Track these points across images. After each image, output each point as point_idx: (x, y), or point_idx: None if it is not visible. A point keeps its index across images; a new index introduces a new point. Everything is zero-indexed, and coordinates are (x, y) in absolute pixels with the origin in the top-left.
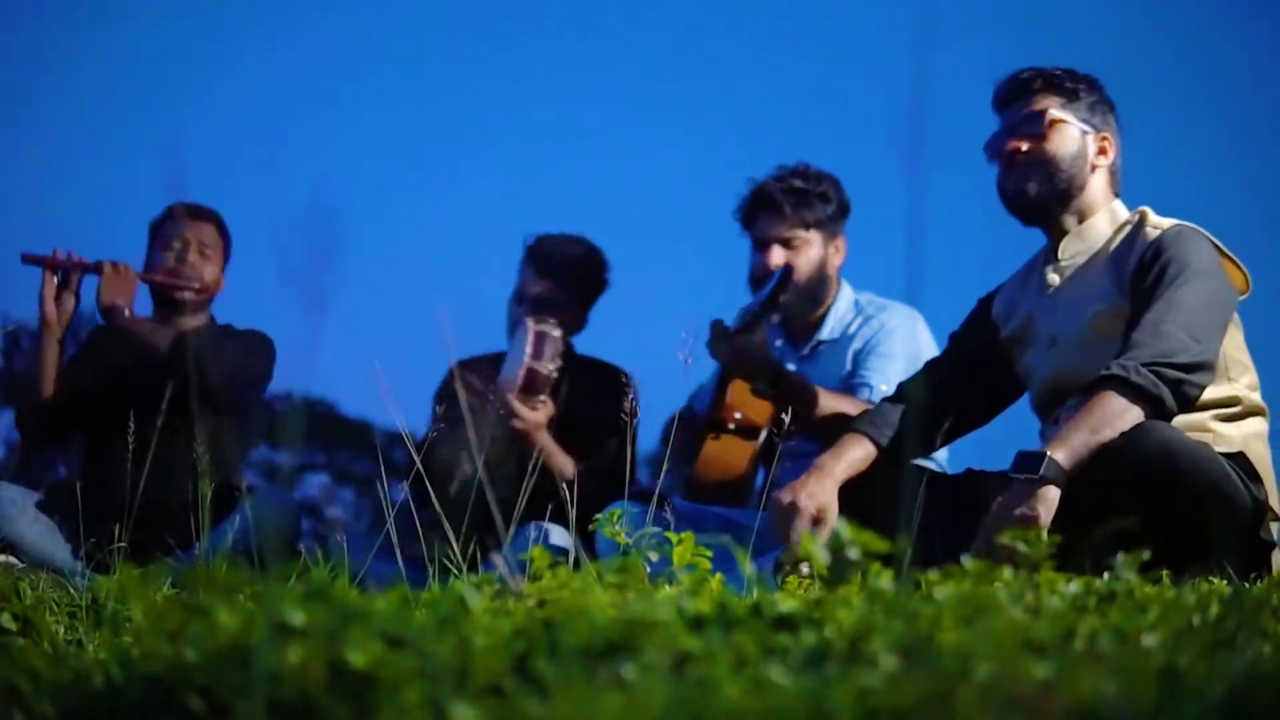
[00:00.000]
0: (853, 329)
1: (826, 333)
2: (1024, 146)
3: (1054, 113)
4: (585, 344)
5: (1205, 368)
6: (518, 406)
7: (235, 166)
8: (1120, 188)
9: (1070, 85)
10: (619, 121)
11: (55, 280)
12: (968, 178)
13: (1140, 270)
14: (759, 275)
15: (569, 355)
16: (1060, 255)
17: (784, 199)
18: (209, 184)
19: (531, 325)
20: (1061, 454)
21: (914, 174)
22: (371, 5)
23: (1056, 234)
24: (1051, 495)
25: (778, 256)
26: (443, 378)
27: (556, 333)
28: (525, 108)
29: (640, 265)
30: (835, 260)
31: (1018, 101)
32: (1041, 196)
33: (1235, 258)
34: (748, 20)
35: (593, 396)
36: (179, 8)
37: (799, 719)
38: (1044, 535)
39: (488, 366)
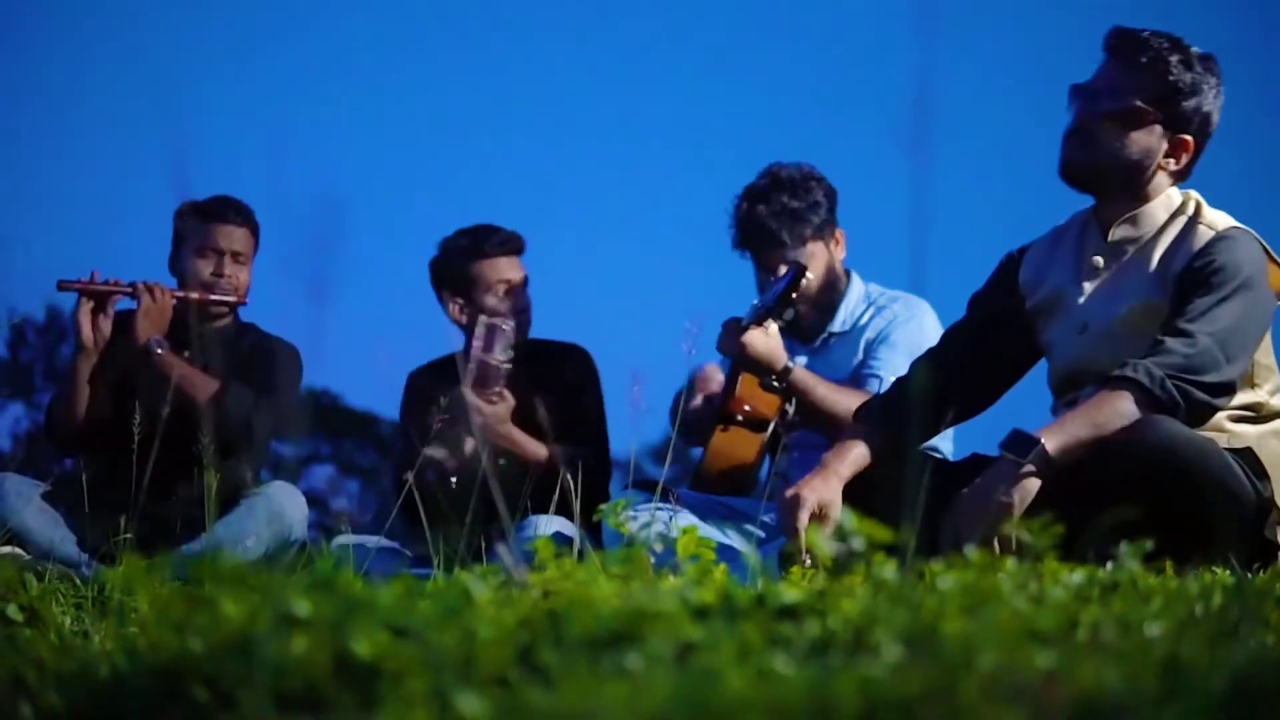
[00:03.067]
0: (864, 320)
1: (838, 325)
2: (1094, 126)
3: (1144, 105)
4: (590, 341)
5: (1229, 389)
6: (475, 400)
7: (242, 159)
8: (1189, 176)
9: (1176, 77)
10: (621, 115)
11: (90, 305)
12: (971, 167)
13: (1187, 272)
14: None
15: (523, 345)
16: (1109, 237)
17: (779, 226)
18: (216, 176)
19: (482, 319)
20: (1052, 443)
21: (918, 164)
22: (376, 3)
23: (1107, 211)
24: (1030, 485)
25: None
26: (404, 394)
27: (507, 325)
28: (530, 101)
29: (643, 260)
30: (839, 254)
31: (1122, 63)
32: (1091, 174)
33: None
34: (750, 9)
35: (555, 379)
36: (184, 6)
37: (802, 709)
38: (1015, 523)
39: (445, 370)
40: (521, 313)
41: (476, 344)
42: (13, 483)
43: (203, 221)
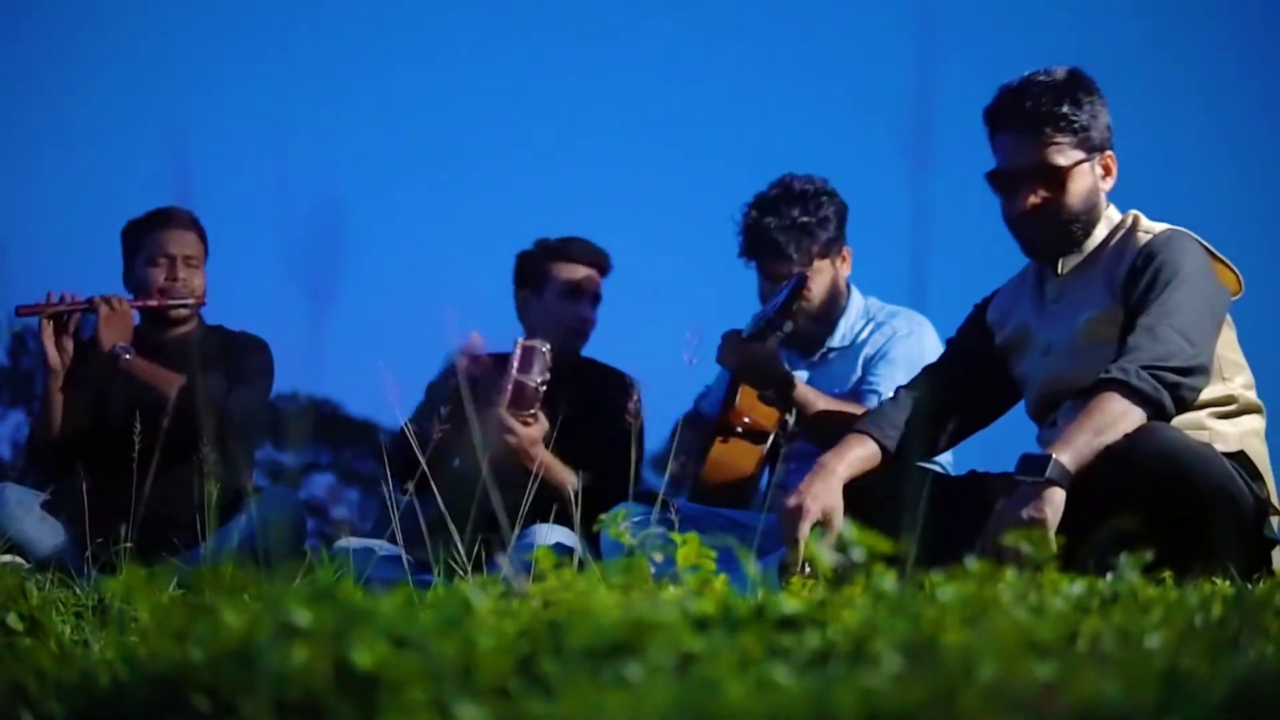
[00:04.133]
0: (863, 336)
1: (838, 340)
2: (1039, 201)
3: (1069, 159)
4: (591, 349)
5: (1201, 370)
6: (510, 422)
7: (242, 167)
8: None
9: (1074, 117)
10: (622, 122)
11: (51, 327)
12: (974, 177)
13: (1132, 275)
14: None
15: (573, 358)
16: (1060, 270)
17: (789, 240)
18: (215, 184)
19: (520, 340)
20: (1066, 456)
21: (920, 174)
22: (378, 5)
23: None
24: (1057, 498)
25: None
26: (440, 371)
27: (545, 347)
28: (531, 108)
29: (644, 267)
30: (844, 271)
31: (1025, 134)
32: (1059, 244)
33: (1226, 259)
34: (751, 22)
35: (596, 401)
36: (184, 7)
37: (803, 719)
38: (1050, 537)
39: (489, 364)
40: (583, 322)
41: (513, 364)
42: (13, 492)
43: (150, 231)
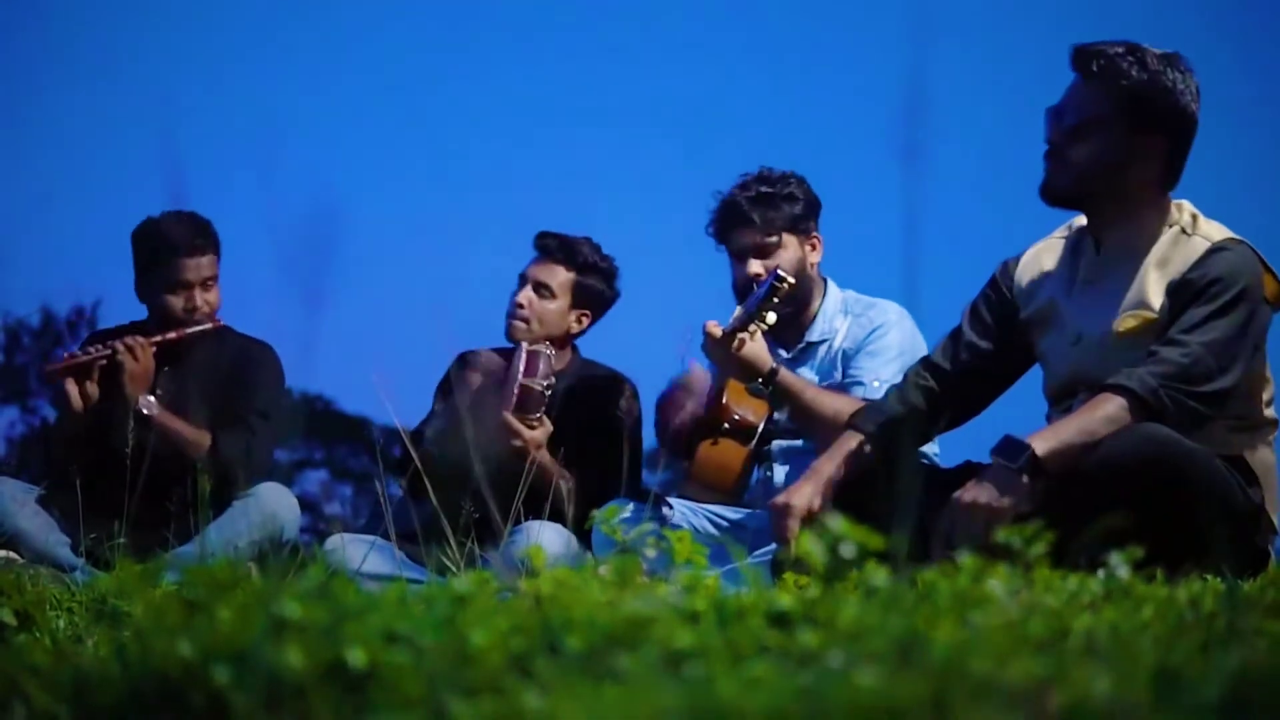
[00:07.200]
0: (841, 329)
1: (816, 334)
2: (1055, 141)
3: (1095, 114)
4: (583, 348)
5: (1224, 400)
6: (516, 425)
7: (236, 165)
8: (1178, 179)
9: (1131, 79)
10: (615, 121)
11: (75, 381)
12: (965, 174)
13: (1182, 284)
14: (741, 285)
15: (574, 359)
16: (1101, 249)
17: (751, 207)
18: (209, 183)
19: (525, 345)
20: (1042, 447)
21: (911, 172)
22: (371, 4)
23: (1097, 224)
24: (1022, 488)
25: (755, 266)
26: (448, 368)
27: (549, 351)
28: (525, 106)
29: (637, 266)
30: (813, 258)
31: (1081, 77)
32: (1068, 192)
33: (1275, 270)
34: (742, 21)
35: (593, 405)
36: (178, 7)
37: (795, 715)
38: (1004, 528)
39: (494, 358)
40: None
41: (519, 368)
42: (7, 487)
43: (168, 255)
